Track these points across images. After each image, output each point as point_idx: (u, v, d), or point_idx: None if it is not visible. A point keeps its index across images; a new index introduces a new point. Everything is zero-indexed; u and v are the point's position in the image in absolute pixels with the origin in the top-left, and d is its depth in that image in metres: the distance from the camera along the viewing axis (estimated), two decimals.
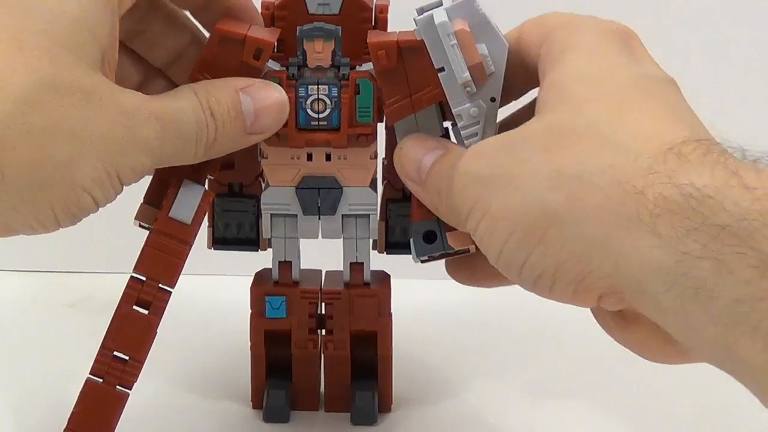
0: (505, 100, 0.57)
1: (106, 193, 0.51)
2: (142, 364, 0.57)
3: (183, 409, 0.65)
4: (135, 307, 0.57)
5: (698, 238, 0.42)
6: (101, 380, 0.57)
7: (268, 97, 0.56)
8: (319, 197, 0.60)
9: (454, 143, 0.56)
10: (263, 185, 0.61)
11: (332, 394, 0.64)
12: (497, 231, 0.49)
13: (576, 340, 0.70)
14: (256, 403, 0.65)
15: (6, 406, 0.65)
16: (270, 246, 0.63)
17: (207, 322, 0.75)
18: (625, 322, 0.50)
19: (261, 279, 0.63)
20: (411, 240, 0.59)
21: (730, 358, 0.42)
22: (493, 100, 0.56)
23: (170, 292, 0.57)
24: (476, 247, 0.56)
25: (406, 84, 0.57)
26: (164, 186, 0.58)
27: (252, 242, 0.63)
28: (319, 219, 0.61)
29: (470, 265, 0.57)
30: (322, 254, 0.64)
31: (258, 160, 0.62)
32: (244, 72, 0.57)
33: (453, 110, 0.56)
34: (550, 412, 0.66)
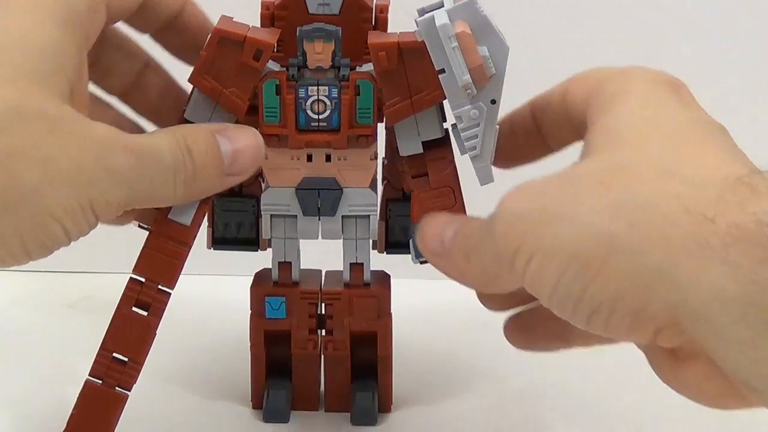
0: (547, 150, 0.58)
1: (78, 224, 0.50)
2: (141, 365, 0.57)
3: (183, 409, 0.65)
4: (134, 309, 0.57)
5: None
6: (100, 382, 0.57)
7: (245, 139, 0.56)
8: (319, 198, 0.60)
9: (469, 216, 0.56)
10: (263, 185, 0.61)
11: (332, 394, 0.64)
12: (551, 266, 0.46)
13: None
14: (256, 403, 0.65)
15: (5, 406, 0.65)
16: (270, 246, 0.63)
17: (207, 323, 0.75)
18: (678, 361, 0.48)
19: (261, 279, 0.63)
20: (410, 241, 0.59)
21: None
22: (493, 102, 0.56)
23: (169, 294, 0.58)
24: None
25: (407, 85, 0.57)
26: None
27: (252, 242, 0.63)
28: (319, 220, 0.61)
29: (529, 326, 0.56)
30: (321, 255, 0.64)
31: None
32: (245, 73, 0.57)
33: (453, 112, 0.56)
34: (550, 412, 0.66)
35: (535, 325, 0.56)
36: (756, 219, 0.42)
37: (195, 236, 0.58)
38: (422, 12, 0.56)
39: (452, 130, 0.58)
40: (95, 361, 0.57)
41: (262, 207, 0.60)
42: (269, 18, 0.59)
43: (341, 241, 0.62)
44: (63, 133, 0.49)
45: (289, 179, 0.60)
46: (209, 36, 0.57)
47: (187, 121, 0.59)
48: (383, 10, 0.59)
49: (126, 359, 0.57)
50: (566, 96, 0.55)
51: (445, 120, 0.60)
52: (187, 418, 0.65)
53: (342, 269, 0.63)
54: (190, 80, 0.58)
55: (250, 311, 0.63)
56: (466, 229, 0.52)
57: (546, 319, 0.52)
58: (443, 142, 0.60)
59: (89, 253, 0.81)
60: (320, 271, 0.65)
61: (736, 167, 0.45)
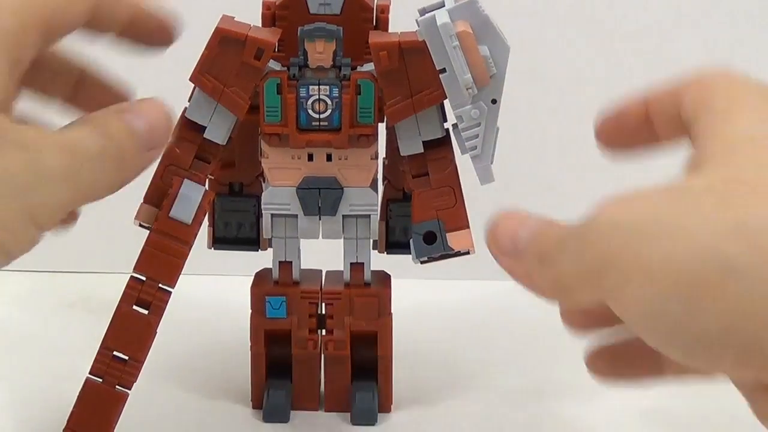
0: (654, 140, 0.52)
1: (17, 238, 0.48)
2: (142, 364, 0.57)
3: (183, 409, 0.65)
4: (135, 307, 0.57)
5: None
6: (101, 380, 0.57)
7: (155, 109, 0.53)
8: (320, 197, 0.60)
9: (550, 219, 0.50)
10: (264, 185, 0.61)
11: (332, 394, 0.64)
12: (654, 285, 0.41)
13: (578, 340, 0.69)
14: (256, 403, 0.64)
15: (5, 406, 0.65)
16: (270, 246, 0.63)
17: (207, 323, 0.75)
18: None
19: (261, 279, 0.64)
20: (410, 240, 0.59)
21: None
22: (494, 101, 0.56)
23: (170, 293, 0.58)
24: (474, 247, 0.56)
25: (408, 85, 0.57)
26: (165, 186, 0.58)
27: (252, 242, 0.64)
28: (320, 219, 0.61)
29: (616, 357, 0.52)
30: (322, 254, 0.64)
31: (258, 160, 0.62)
32: (246, 72, 0.57)
33: (454, 111, 0.56)
34: (551, 411, 0.66)
35: (623, 356, 0.51)
36: None
37: (196, 235, 0.58)
38: (423, 12, 0.56)
39: (453, 129, 0.58)
40: (96, 360, 0.57)
41: (262, 206, 0.61)
42: (270, 18, 0.59)
43: (341, 241, 0.62)
44: None
45: (289, 178, 0.60)
46: (211, 35, 0.57)
47: (188, 121, 0.59)
48: (384, 10, 0.60)
49: (126, 358, 0.57)
50: (678, 91, 0.50)
51: (445, 120, 0.60)
52: (187, 418, 0.65)
53: (342, 269, 0.63)
54: (191, 79, 0.58)
55: (250, 311, 0.63)
56: (547, 230, 0.47)
57: (636, 350, 0.49)
58: (444, 141, 0.60)
59: (89, 253, 0.82)
60: (320, 271, 0.65)
61: None
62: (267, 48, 0.57)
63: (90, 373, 0.57)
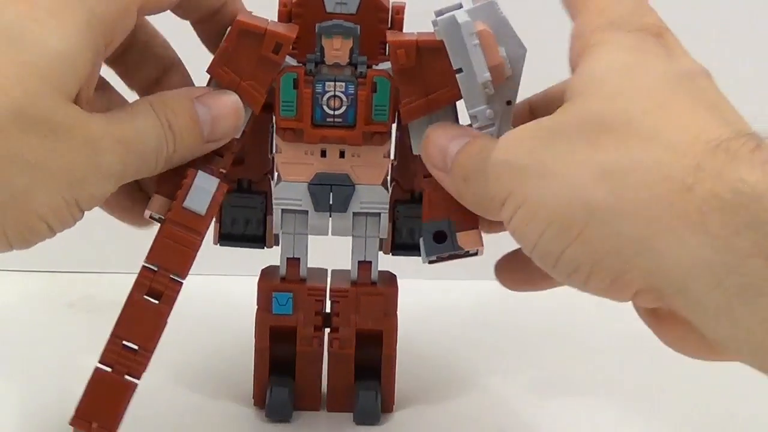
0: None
1: (63, 220, 0.52)
2: (152, 353, 0.57)
3: (186, 406, 0.65)
4: (146, 297, 0.57)
5: (749, 235, 0.42)
6: (110, 369, 0.57)
7: (224, 105, 0.57)
8: (331, 194, 0.60)
9: (479, 132, 0.56)
10: (273, 181, 0.61)
11: (335, 393, 0.64)
12: (534, 222, 0.48)
13: (580, 339, 0.70)
14: (259, 401, 0.64)
15: (5, 406, 0.65)
16: (276, 243, 0.63)
17: (210, 322, 0.75)
18: (659, 319, 0.50)
19: (268, 275, 0.64)
20: (421, 239, 0.59)
21: None
22: (509, 103, 0.57)
23: (181, 283, 0.58)
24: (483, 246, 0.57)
25: (423, 84, 0.58)
26: (178, 177, 0.58)
27: (258, 239, 0.64)
28: (330, 216, 0.61)
29: (517, 268, 0.57)
30: (327, 254, 0.64)
31: (268, 157, 0.62)
32: (263, 66, 0.58)
33: (469, 111, 0.57)
34: (554, 411, 0.66)
35: (523, 267, 0.55)
36: (732, 188, 0.42)
37: (208, 226, 0.58)
38: (439, 13, 0.56)
39: None
40: (106, 348, 0.57)
41: (273, 201, 0.61)
42: (286, 15, 0.60)
43: (347, 241, 0.62)
44: (59, 135, 0.50)
45: (302, 174, 0.60)
46: (230, 28, 0.58)
47: None
48: (399, 11, 0.60)
49: (136, 347, 0.57)
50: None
51: (457, 121, 0.60)
52: (190, 416, 0.65)
53: (348, 269, 0.63)
54: (208, 70, 0.58)
55: (256, 307, 0.63)
56: (467, 152, 0.54)
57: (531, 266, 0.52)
58: None
59: (89, 253, 0.82)
60: (326, 270, 0.65)
61: (719, 129, 0.45)
62: (285, 42, 0.57)
63: (100, 361, 0.57)
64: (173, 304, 0.58)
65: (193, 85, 0.61)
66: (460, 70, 0.56)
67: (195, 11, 0.58)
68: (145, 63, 0.60)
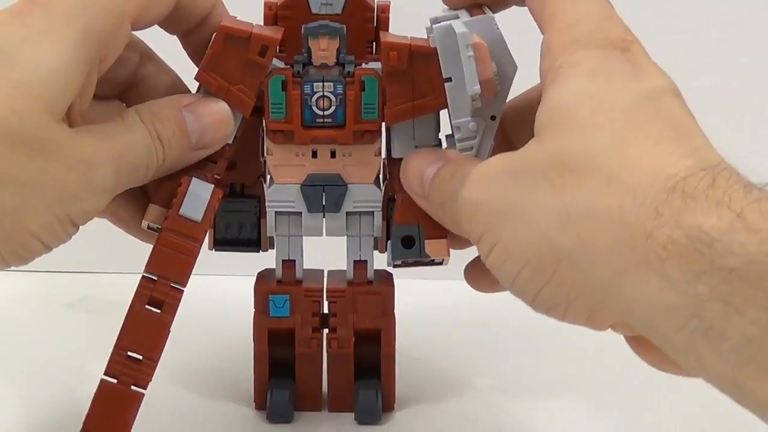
0: None
1: (56, 236, 0.52)
2: (156, 363, 0.57)
3: (186, 410, 0.65)
4: (148, 307, 0.57)
5: (707, 281, 0.43)
6: (116, 380, 0.57)
7: (212, 112, 0.57)
8: (324, 194, 0.60)
9: (455, 153, 0.57)
10: (265, 185, 0.61)
11: (335, 393, 0.64)
12: (509, 262, 0.50)
13: (578, 339, 0.69)
14: (260, 403, 0.64)
15: (5, 406, 0.65)
16: (271, 246, 0.62)
17: (209, 323, 0.75)
18: (637, 341, 0.51)
19: (264, 278, 0.63)
20: (389, 242, 0.60)
21: (742, 394, 0.43)
22: (493, 118, 0.57)
23: (182, 291, 0.57)
24: (449, 257, 0.57)
25: (411, 88, 0.58)
26: (173, 185, 0.58)
27: (253, 243, 0.63)
28: (323, 216, 0.61)
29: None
30: (323, 255, 0.64)
31: (260, 161, 0.62)
32: (251, 69, 0.57)
33: (453, 121, 0.57)
34: (553, 411, 0.66)
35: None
36: (689, 234, 0.43)
37: (206, 232, 0.58)
38: (435, 20, 0.57)
39: (447, 139, 0.59)
40: (110, 360, 0.56)
41: (266, 204, 0.60)
42: (272, 18, 0.59)
43: (342, 242, 0.62)
44: (50, 154, 0.50)
45: (294, 176, 0.60)
46: (215, 34, 0.57)
47: None
48: (385, 10, 0.60)
49: (141, 357, 0.57)
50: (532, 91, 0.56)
51: (439, 130, 0.60)
52: (191, 418, 0.65)
53: (344, 269, 0.63)
54: (196, 78, 0.58)
55: (253, 310, 0.63)
56: (440, 177, 0.55)
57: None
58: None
59: (89, 253, 0.82)
60: (323, 270, 0.64)
61: (680, 161, 0.46)
62: (271, 45, 0.57)
63: (105, 373, 0.57)
64: (175, 312, 0.57)
65: (169, 72, 0.61)
66: (449, 80, 0.56)
67: (182, 23, 0.58)
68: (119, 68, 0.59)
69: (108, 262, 0.81)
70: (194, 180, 0.58)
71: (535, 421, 0.65)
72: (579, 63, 0.50)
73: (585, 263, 0.47)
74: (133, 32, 0.57)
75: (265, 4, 0.59)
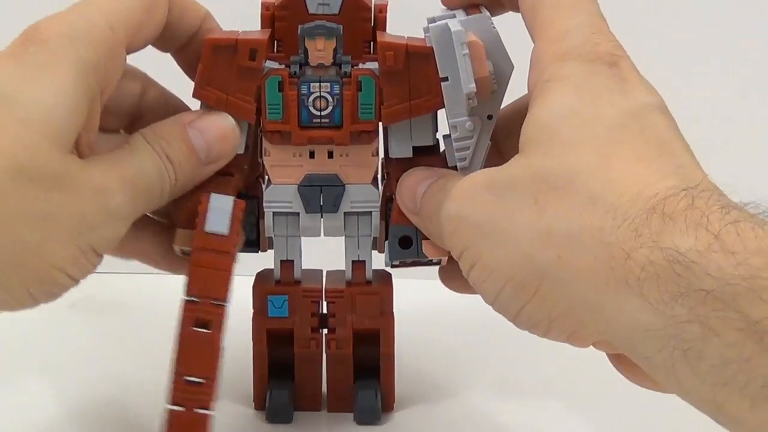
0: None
1: (82, 268, 0.53)
2: (216, 381, 0.57)
3: None
4: (195, 329, 0.57)
5: (685, 302, 0.43)
6: (182, 408, 0.57)
7: (216, 126, 0.57)
8: (321, 195, 0.60)
9: (448, 170, 0.57)
10: (263, 185, 0.61)
11: (335, 393, 0.64)
12: (490, 280, 0.50)
13: None
14: (259, 403, 0.64)
15: (5, 406, 0.65)
16: (270, 246, 0.62)
17: None
18: (618, 359, 0.52)
19: (263, 279, 0.63)
20: (386, 242, 0.60)
21: (721, 414, 0.44)
22: (490, 117, 0.57)
23: (225, 306, 0.57)
24: (449, 258, 0.57)
25: (408, 88, 0.58)
26: (195, 207, 0.58)
27: (252, 243, 0.63)
28: (321, 217, 0.61)
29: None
30: (322, 255, 0.64)
31: (257, 162, 0.62)
32: (244, 75, 0.57)
33: (450, 121, 0.57)
34: (552, 411, 0.66)
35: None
36: (667, 256, 0.43)
37: (236, 243, 0.58)
38: (432, 20, 0.57)
39: (445, 139, 0.59)
40: (172, 389, 0.56)
41: (264, 204, 0.60)
42: (269, 18, 0.59)
43: (341, 242, 0.62)
44: (65, 187, 0.51)
45: (291, 176, 0.60)
46: (202, 49, 0.57)
47: None
48: (382, 9, 0.60)
49: (200, 380, 0.57)
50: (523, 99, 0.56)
51: (437, 130, 0.60)
52: None
53: (342, 269, 0.63)
54: (194, 95, 0.58)
55: (252, 311, 0.63)
56: (429, 192, 0.56)
57: None
58: (433, 150, 0.60)
59: None
60: (321, 271, 0.64)
61: (662, 181, 0.46)
62: (259, 47, 0.57)
63: (169, 402, 0.57)
64: (223, 328, 0.57)
65: (172, 97, 0.62)
66: (446, 79, 0.56)
67: (173, 40, 0.59)
68: (123, 87, 0.59)
69: (108, 262, 0.80)
70: (212, 195, 0.58)
71: (535, 421, 0.65)
72: (566, 77, 0.50)
73: (566, 283, 0.47)
74: (133, 64, 0.58)
75: (262, 4, 0.59)
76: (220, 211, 0.57)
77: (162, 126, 0.57)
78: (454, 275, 0.58)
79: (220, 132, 0.57)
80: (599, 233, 0.45)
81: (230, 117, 0.58)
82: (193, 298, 0.57)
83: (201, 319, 0.57)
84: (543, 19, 0.52)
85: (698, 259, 0.43)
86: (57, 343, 0.73)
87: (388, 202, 0.62)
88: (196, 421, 0.56)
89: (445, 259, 0.59)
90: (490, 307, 0.51)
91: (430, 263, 0.60)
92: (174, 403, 0.56)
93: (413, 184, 0.57)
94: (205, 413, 0.57)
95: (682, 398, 0.45)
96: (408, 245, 0.59)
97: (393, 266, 0.60)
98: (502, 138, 0.58)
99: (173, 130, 0.56)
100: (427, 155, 0.60)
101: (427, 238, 0.58)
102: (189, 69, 0.59)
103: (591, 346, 0.50)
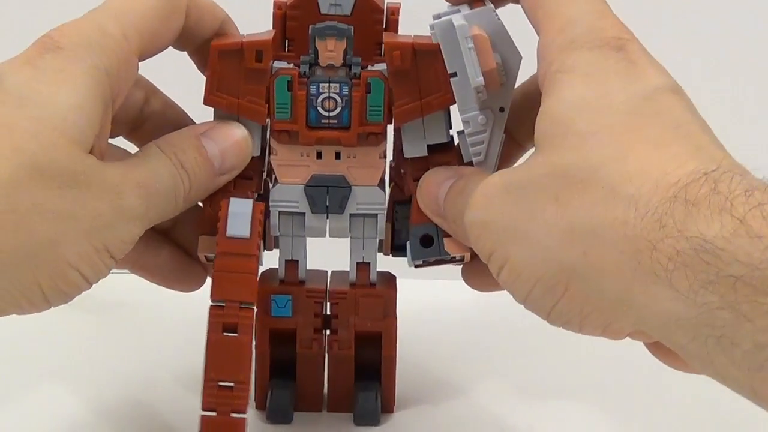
0: (519, 149, 0.60)
1: (95, 268, 0.52)
2: (248, 384, 0.57)
3: (186, 410, 0.65)
4: (224, 334, 0.57)
5: (715, 289, 0.43)
6: (215, 413, 0.56)
7: (229, 137, 0.58)
8: (328, 195, 0.60)
9: (467, 168, 0.57)
10: (270, 184, 0.61)
11: (335, 394, 0.64)
12: (520, 281, 0.50)
13: (579, 340, 0.69)
14: (260, 403, 0.64)
15: (5, 406, 0.65)
16: (276, 246, 0.63)
17: None
18: (656, 347, 0.52)
19: (267, 278, 0.63)
20: (407, 243, 0.60)
21: (757, 399, 0.44)
22: (502, 110, 0.57)
23: (253, 309, 0.57)
24: (472, 254, 0.57)
25: (417, 87, 0.58)
26: (215, 213, 0.58)
27: None
28: (327, 218, 0.61)
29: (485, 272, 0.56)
30: (326, 255, 0.64)
31: (263, 160, 0.62)
32: (253, 78, 0.58)
33: (461, 116, 0.57)
34: (553, 412, 0.66)
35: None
36: (693, 246, 0.43)
37: (259, 246, 0.58)
38: (437, 17, 0.57)
39: (459, 135, 0.59)
40: (204, 394, 0.56)
41: (270, 204, 0.60)
42: (281, 18, 0.60)
43: (346, 242, 0.62)
44: (80, 184, 0.51)
45: (298, 176, 0.60)
46: (209, 55, 0.58)
47: None
48: (394, 12, 0.60)
49: (232, 384, 0.56)
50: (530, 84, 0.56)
51: (451, 127, 0.60)
52: (191, 418, 0.64)
53: (346, 269, 0.63)
54: (205, 102, 0.58)
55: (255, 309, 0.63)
56: (451, 194, 0.56)
57: None
58: (448, 147, 0.60)
59: None
60: (326, 271, 0.64)
61: (682, 161, 0.46)
62: (265, 48, 0.57)
63: (203, 408, 0.56)
64: (251, 331, 0.57)
65: (174, 106, 0.62)
66: (454, 74, 0.56)
67: (190, 44, 0.59)
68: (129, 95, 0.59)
69: None
70: (232, 200, 0.58)
71: (536, 423, 0.65)
72: (574, 67, 0.50)
73: (594, 279, 0.47)
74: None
75: (274, 3, 0.60)
76: (240, 216, 0.58)
77: (176, 135, 0.57)
78: (476, 273, 0.58)
79: (234, 142, 0.58)
80: (623, 227, 0.45)
81: (243, 127, 0.58)
82: (219, 303, 0.57)
83: (229, 323, 0.57)
84: (546, 10, 0.52)
85: (725, 246, 0.42)
86: (57, 343, 0.72)
87: (395, 205, 0.62)
88: (230, 426, 0.56)
89: (467, 256, 0.59)
90: (523, 306, 0.51)
91: (453, 261, 0.60)
92: (207, 409, 0.56)
93: (434, 187, 0.57)
94: (241, 417, 0.57)
95: (722, 384, 0.45)
96: (429, 244, 0.59)
97: (416, 266, 0.60)
98: (515, 125, 0.58)
99: (188, 140, 0.57)
100: (443, 152, 0.60)
101: (448, 236, 0.58)
102: (204, 67, 0.59)
103: (627, 338, 0.50)
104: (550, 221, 0.48)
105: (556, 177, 0.48)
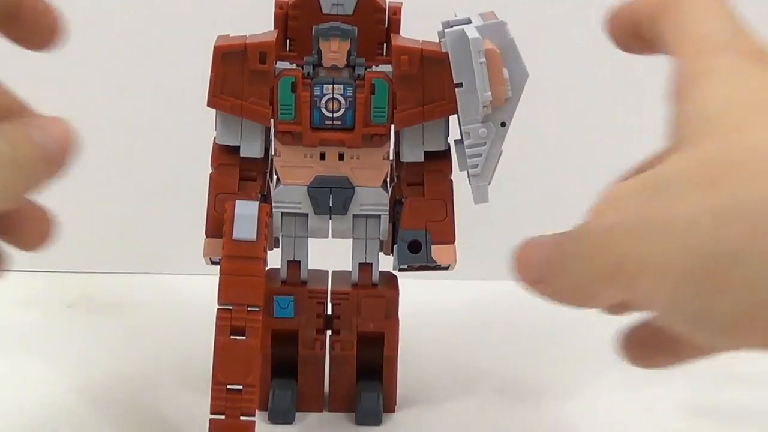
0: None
1: None
2: (257, 387, 0.57)
3: (187, 409, 0.65)
4: (232, 337, 0.57)
5: None
6: (223, 416, 0.57)
7: (54, 126, 0.51)
8: (331, 196, 0.60)
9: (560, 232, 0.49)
10: (273, 185, 0.61)
11: (337, 394, 0.64)
12: (663, 284, 0.42)
13: (580, 341, 0.70)
14: (262, 403, 0.64)
15: (5, 406, 0.65)
16: (277, 246, 0.63)
17: (210, 323, 0.74)
18: (639, 345, 0.47)
19: (269, 279, 0.63)
20: (395, 246, 0.60)
21: None
22: (503, 124, 0.57)
23: (260, 311, 0.57)
24: (456, 265, 0.57)
25: (421, 93, 0.58)
26: (220, 216, 0.58)
27: None
28: (330, 219, 0.61)
29: (643, 343, 0.50)
30: (327, 256, 0.64)
31: (266, 162, 0.62)
32: (256, 79, 0.58)
33: (463, 127, 0.57)
34: (555, 414, 0.66)
35: (647, 341, 0.50)
36: None
37: (265, 248, 0.58)
38: (447, 25, 0.57)
39: (456, 145, 0.59)
40: (213, 398, 0.56)
41: (273, 204, 0.60)
42: (282, 17, 0.60)
43: (347, 243, 0.62)
44: None
45: (301, 177, 0.60)
46: (212, 57, 0.58)
47: (221, 146, 0.60)
48: (396, 11, 0.60)
49: (240, 387, 0.57)
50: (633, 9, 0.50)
51: (448, 135, 0.60)
52: (192, 418, 0.64)
53: (348, 269, 0.63)
54: (208, 105, 0.58)
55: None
56: (554, 252, 0.47)
57: (657, 334, 0.47)
58: (444, 155, 0.61)
59: (89, 253, 0.82)
60: (326, 271, 0.65)
61: None
62: (268, 49, 0.57)
63: (211, 412, 0.57)
64: (259, 334, 0.57)
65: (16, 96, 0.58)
66: (460, 85, 0.56)
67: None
68: None
69: (108, 262, 0.81)
70: (238, 202, 0.58)
71: (537, 423, 0.65)
72: (715, 69, 0.46)
73: (759, 262, 0.40)
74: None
75: (275, 3, 0.60)
76: (246, 218, 0.58)
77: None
78: (645, 342, 0.50)
79: (62, 131, 0.51)
80: None
81: (66, 121, 0.52)
82: (226, 306, 0.57)
83: (237, 326, 0.57)
84: (683, 28, 0.47)
85: None
86: (56, 343, 0.72)
87: (396, 204, 0.62)
88: (240, 429, 0.57)
89: (454, 265, 0.59)
90: (669, 323, 0.43)
91: (438, 268, 0.60)
92: (216, 412, 0.56)
93: (531, 259, 0.47)
94: (250, 420, 0.57)
95: None
96: (417, 250, 0.59)
97: (400, 270, 0.60)
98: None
99: (12, 124, 0.50)
100: (438, 160, 0.60)
101: (438, 243, 0.58)
102: (21, 40, 0.52)
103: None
104: (696, 203, 0.41)
105: (703, 165, 0.42)
